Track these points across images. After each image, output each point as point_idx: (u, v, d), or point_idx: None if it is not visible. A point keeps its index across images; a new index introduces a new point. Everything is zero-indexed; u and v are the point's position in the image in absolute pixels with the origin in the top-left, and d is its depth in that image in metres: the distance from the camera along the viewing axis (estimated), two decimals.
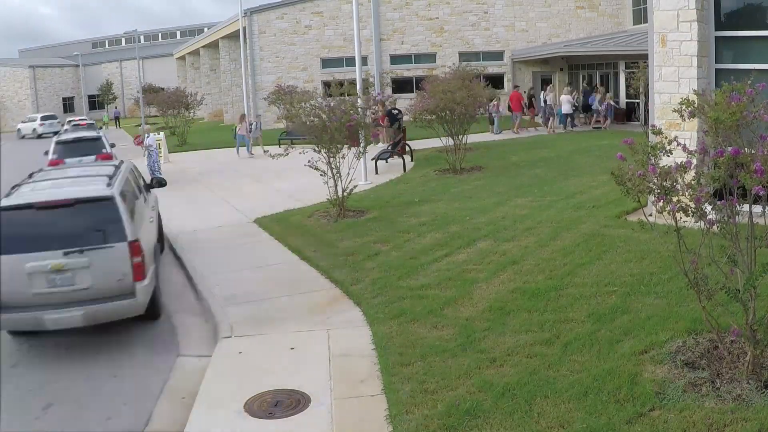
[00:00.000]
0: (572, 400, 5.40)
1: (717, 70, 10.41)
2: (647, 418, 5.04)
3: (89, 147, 18.50)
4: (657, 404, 5.20)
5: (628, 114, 29.55)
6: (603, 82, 31.66)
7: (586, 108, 28.85)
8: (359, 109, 13.54)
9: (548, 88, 30.86)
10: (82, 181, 8.82)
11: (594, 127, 27.28)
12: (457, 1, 38.08)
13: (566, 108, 27.49)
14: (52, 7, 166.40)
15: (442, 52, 38.23)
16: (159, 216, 10.37)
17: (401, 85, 37.09)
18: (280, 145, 21.96)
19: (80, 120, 48.93)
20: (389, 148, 20.03)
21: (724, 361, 5.68)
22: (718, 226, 5.38)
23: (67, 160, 16.80)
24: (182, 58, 62.75)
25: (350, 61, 35.69)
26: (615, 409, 5.19)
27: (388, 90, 34.32)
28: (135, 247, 7.41)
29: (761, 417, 4.86)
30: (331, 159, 12.88)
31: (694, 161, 5.41)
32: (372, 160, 17.98)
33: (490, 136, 26.50)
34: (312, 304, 8.52)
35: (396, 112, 20.06)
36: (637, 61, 25.95)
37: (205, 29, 60.58)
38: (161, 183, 10.93)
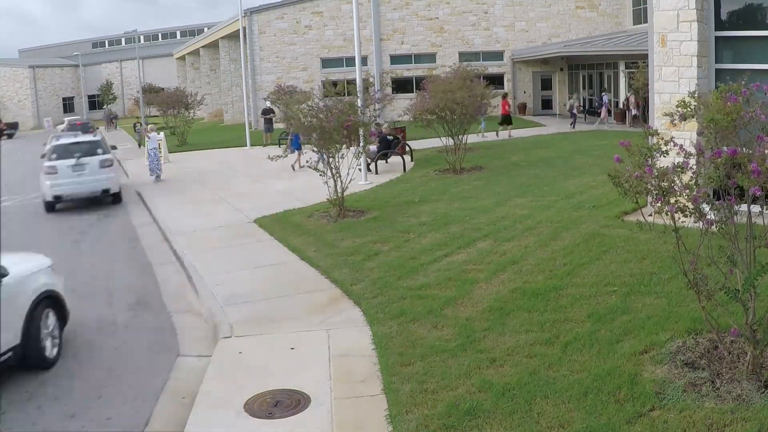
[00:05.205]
0: (572, 400, 5.40)
1: (717, 70, 10.41)
2: (647, 418, 5.04)
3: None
4: (657, 404, 5.21)
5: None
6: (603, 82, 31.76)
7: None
8: (358, 109, 13.53)
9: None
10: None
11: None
12: (457, 1, 38.09)
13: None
14: None
15: (442, 52, 38.24)
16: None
17: (401, 85, 37.12)
18: (280, 145, 22.00)
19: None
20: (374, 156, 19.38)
21: (724, 361, 5.68)
22: (717, 227, 5.38)
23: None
24: (182, 58, 62.76)
25: (350, 61, 35.69)
26: (615, 409, 5.19)
27: (388, 90, 34.32)
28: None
29: (761, 417, 4.86)
30: (330, 159, 12.89)
31: (692, 162, 5.41)
32: (367, 160, 17.91)
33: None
34: (312, 304, 8.52)
35: (390, 138, 19.94)
36: (637, 61, 25.98)
37: (205, 29, 60.59)
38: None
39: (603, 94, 31.03)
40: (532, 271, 8.79)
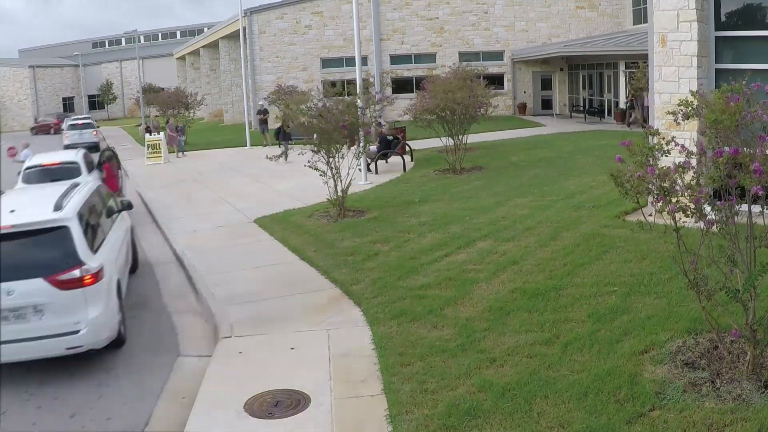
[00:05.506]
0: (572, 400, 5.40)
1: (717, 70, 10.41)
2: (647, 418, 5.04)
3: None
4: (657, 404, 5.21)
5: (628, 114, 29.58)
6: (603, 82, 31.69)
7: None
8: (358, 109, 13.52)
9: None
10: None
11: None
12: (457, 1, 38.08)
13: None
14: None
15: (442, 52, 38.24)
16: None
17: (401, 85, 37.08)
18: (279, 145, 22.00)
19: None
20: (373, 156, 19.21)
21: (724, 361, 5.68)
22: (717, 227, 5.38)
23: None
24: (182, 58, 62.75)
25: (350, 61, 35.69)
26: (615, 409, 5.19)
27: (388, 90, 34.31)
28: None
29: (761, 417, 4.86)
30: (330, 159, 12.88)
31: (693, 162, 5.41)
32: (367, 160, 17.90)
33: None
34: (312, 304, 8.53)
35: (390, 138, 19.96)
36: (637, 61, 25.97)
37: (205, 29, 60.59)
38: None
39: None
40: (532, 271, 8.79)
